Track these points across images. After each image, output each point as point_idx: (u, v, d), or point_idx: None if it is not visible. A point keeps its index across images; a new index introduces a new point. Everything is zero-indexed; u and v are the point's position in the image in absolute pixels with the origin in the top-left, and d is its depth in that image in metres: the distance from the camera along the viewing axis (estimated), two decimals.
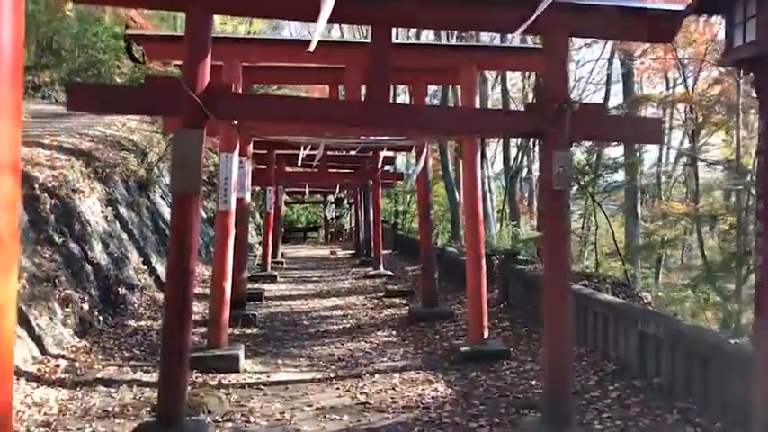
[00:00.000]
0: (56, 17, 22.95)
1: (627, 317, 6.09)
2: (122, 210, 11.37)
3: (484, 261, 6.98)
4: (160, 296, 10.59)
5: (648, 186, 20.27)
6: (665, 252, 13.72)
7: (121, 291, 9.31)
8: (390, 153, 18.16)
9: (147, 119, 17.11)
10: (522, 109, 4.67)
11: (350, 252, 23.09)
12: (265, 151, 15.17)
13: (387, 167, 18.69)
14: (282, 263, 18.14)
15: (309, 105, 4.52)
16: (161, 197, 15.52)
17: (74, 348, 6.76)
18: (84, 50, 21.93)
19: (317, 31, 3.85)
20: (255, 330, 8.89)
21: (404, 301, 11.37)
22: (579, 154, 14.86)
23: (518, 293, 9.27)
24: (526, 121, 4.52)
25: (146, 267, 11.01)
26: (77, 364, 6.33)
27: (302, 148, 6.82)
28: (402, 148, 15.75)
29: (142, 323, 8.60)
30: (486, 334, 7.04)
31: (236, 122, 6.46)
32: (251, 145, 9.33)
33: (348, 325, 9.44)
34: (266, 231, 15.47)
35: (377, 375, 6.52)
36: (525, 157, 25.79)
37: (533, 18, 3.62)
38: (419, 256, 18.56)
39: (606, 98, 16.28)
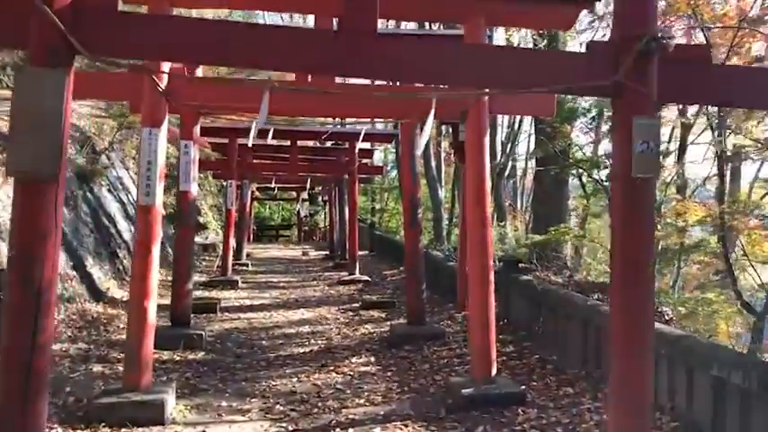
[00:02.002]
0: None
1: (691, 355, 4.51)
2: None
3: (492, 276, 5.34)
4: (92, 307, 8.80)
5: None
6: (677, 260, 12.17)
7: None
8: (367, 145, 16.55)
9: (101, 103, 15.26)
10: (584, 51, 2.98)
11: (323, 253, 21.38)
12: (226, 140, 13.44)
13: (364, 161, 17.04)
14: (247, 265, 16.36)
15: (250, 34, 2.81)
16: (108, 191, 13.72)
17: None
18: None
19: None
20: (200, 355, 7.15)
21: (383, 315, 9.72)
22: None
23: (523, 310, 7.67)
24: (589, 68, 2.88)
25: (75, 273, 9.18)
26: None
27: (254, 127, 5.17)
28: (382, 137, 14.10)
29: (54, 347, 6.81)
30: (494, 371, 5.40)
31: (162, 86, 4.75)
32: (198, 126, 7.58)
33: (316, 347, 7.75)
34: (227, 230, 13.69)
35: (351, 430, 4.85)
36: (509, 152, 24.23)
37: None
38: (399, 259, 17.04)
39: None
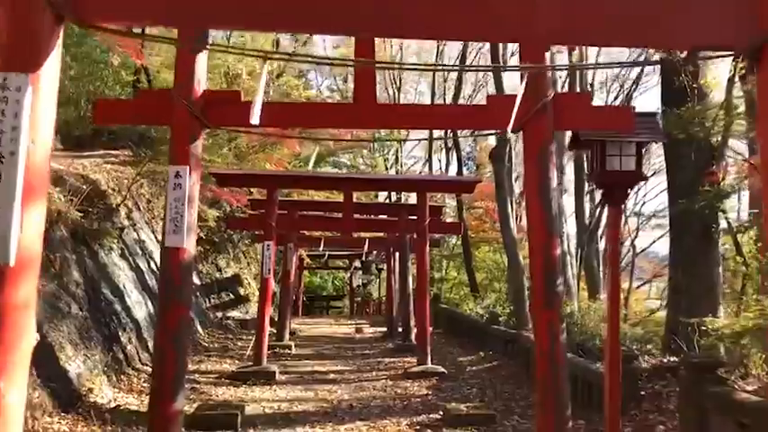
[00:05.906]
0: None
1: None
2: None
3: None
4: (52, 426, 5.95)
5: None
6: None
7: None
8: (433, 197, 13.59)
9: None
10: None
11: (380, 330, 18.24)
12: (263, 195, 10.73)
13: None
14: (290, 348, 13.34)
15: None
16: (121, 255, 11.09)
17: None
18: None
19: None
20: None
21: None
22: None
23: None
24: None
25: (34, 371, 6.34)
26: None
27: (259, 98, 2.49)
28: (461, 186, 11.12)
29: None
30: None
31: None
32: (198, 143, 4.76)
33: None
34: (262, 306, 10.70)
35: None
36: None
37: None
38: (469, 339, 13.71)
39: None
